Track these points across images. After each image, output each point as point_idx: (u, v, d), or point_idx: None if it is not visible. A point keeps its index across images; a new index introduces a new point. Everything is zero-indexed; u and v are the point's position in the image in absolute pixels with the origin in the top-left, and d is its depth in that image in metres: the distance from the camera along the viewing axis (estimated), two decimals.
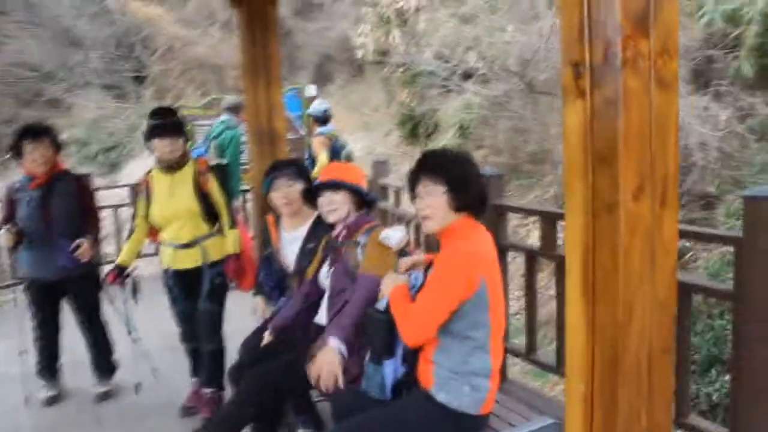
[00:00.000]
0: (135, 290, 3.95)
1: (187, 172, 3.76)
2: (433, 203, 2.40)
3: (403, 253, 2.93)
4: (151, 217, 3.80)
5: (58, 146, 4.14)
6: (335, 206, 3.06)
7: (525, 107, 8.58)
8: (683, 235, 2.82)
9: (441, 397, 2.37)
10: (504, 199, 3.98)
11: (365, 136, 15.31)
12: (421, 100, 12.57)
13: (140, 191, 3.85)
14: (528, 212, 5.87)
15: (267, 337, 3.24)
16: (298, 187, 3.48)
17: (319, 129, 6.64)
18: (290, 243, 3.57)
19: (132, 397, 4.21)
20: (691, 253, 7.30)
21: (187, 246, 3.74)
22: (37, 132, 4.03)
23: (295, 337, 3.14)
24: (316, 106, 6.73)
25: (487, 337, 2.38)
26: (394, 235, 2.88)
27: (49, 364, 4.35)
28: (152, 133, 3.67)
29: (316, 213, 3.50)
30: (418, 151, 13.57)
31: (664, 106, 1.70)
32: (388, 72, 14.62)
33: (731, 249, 2.70)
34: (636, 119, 1.65)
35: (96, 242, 4.22)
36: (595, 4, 1.63)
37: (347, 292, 2.92)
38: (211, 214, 3.78)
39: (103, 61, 19.02)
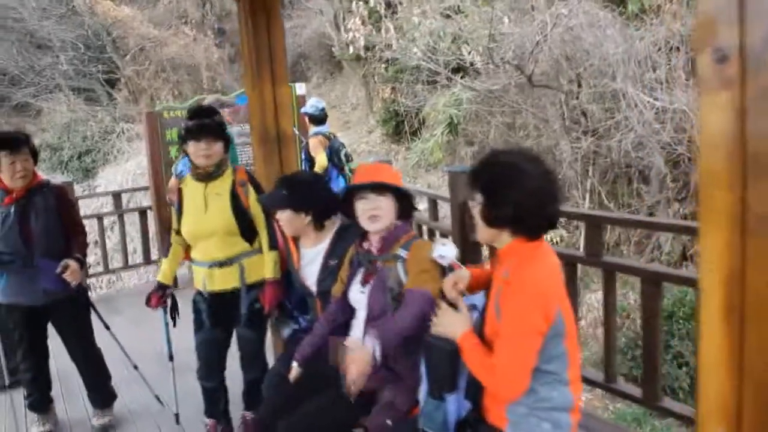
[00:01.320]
0: (174, 310, 3.60)
1: (225, 182, 3.33)
2: (476, 213, 2.13)
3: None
4: (183, 232, 3.38)
5: (35, 155, 3.71)
6: (380, 212, 2.67)
7: (526, 101, 8.29)
8: None
9: None
10: None
11: (346, 135, 14.98)
12: (406, 97, 12.26)
13: (171, 202, 3.43)
14: (570, 216, 5.21)
15: (295, 370, 2.87)
16: (286, 214, 3.10)
17: (315, 128, 6.29)
18: (311, 261, 3.18)
19: (134, 428, 3.85)
20: None
21: (223, 264, 3.33)
22: (15, 142, 3.58)
23: (328, 368, 2.80)
24: (314, 104, 6.36)
25: (565, 368, 2.09)
26: (450, 254, 2.54)
27: (40, 396, 3.95)
28: (188, 135, 3.24)
29: (336, 225, 3.17)
30: (404, 149, 13.43)
31: None
32: (370, 68, 14.30)
33: None
34: None
35: (84, 262, 3.81)
36: None
37: (388, 314, 2.60)
38: (249, 231, 3.36)
39: (73, 64, 18.44)
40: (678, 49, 7.77)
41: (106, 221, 7.82)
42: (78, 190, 11.54)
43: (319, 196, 3.15)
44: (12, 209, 3.57)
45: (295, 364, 2.88)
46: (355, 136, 15.49)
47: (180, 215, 3.36)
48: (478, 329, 2.16)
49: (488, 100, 9.42)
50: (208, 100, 6.64)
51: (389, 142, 14.25)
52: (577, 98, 7.88)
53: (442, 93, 10.88)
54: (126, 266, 7.63)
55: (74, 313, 3.83)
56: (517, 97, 8.51)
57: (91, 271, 7.62)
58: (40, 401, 3.94)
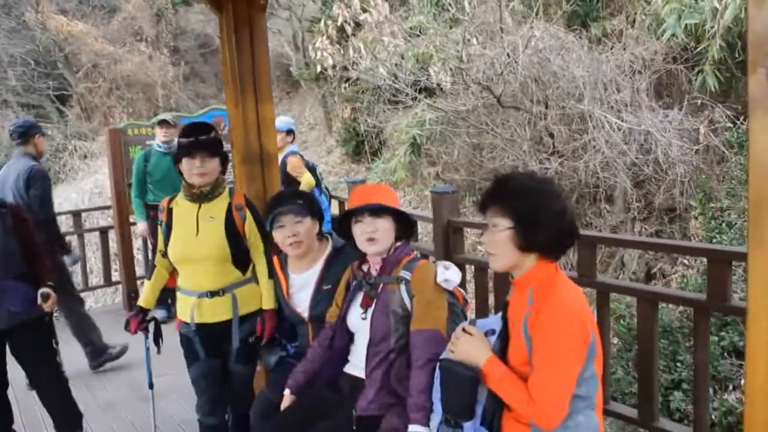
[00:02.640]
0: (158, 337, 3.38)
1: (219, 205, 3.11)
2: (496, 240, 2.05)
3: None
4: (170, 255, 3.14)
5: None
6: (378, 235, 2.60)
7: (494, 122, 8.33)
8: None
9: None
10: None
11: (304, 155, 14.86)
12: (367, 117, 12.22)
13: (158, 222, 3.20)
14: None
15: (287, 398, 2.75)
16: (308, 223, 2.99)
17: (291, 147, 6.16)
18: (302, 286, 3.06)
19: None
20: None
21: (214, 294, 3.08)
22: None
23: (324, 395, 2.69)
24: (287, 122, 6.23)
25: (595, 392, 2.04)
26: (455, 278, 2.48)
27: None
28: (181, 152, 3.02)
29: (328, 249, 3.07)
30: (364, 169, 13.39)
31: None
32: (330, 88, 14.25)
33: None
34: None
35: (56, 288, 3.59)
36: None
37: (391, 339, 2.51)
38: (243, 258, 3.14)
39: (22, 80, 17.93)
40: (641, 72, 7.92)
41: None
42: None
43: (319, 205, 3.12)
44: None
45: (287, 391, 2.77)
46: (314, 156, 15.38)
47: (167, 237, 3.14)
48: (498, 355, 2.09)
49: (453, 120, 9.43)
50: (164, 116, 6.43)
51: (349, 162, 14.20)
52: (545, 119, 7.95)
53: (404, 113, 10.86)
54: (86, 287, 7.36)
55: (38, 336, 3.59)
56: (486, 118, 8.54)
57: None
58: None
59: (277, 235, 2.99)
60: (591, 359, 1.99)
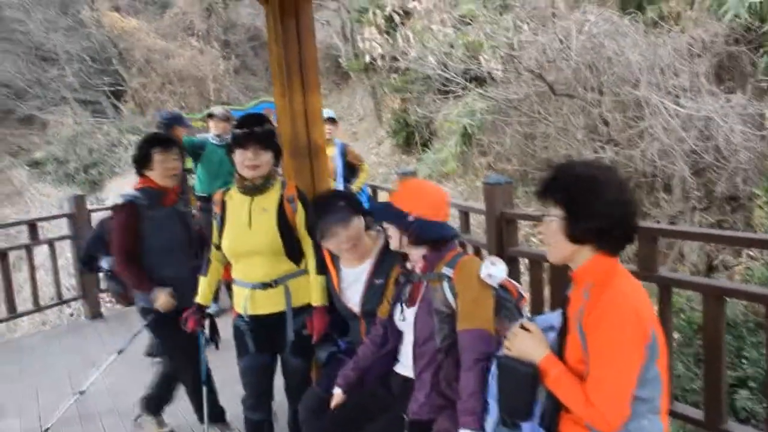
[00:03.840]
0: (214, 333, 3.38)
1: (272, 197, 3.06)
2: (551, 229, 1.96)
3: None
4: (223, 248, 3.11)
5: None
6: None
7: (546, 110, 8.14)
8: None
9: None
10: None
11: (354, 146, 14.84)
12: (417, 107, 12.12)
13: (213, 215, 3.16)
14: None
15: (338, 396, 2.69)
16: (355, 223, 2.91)
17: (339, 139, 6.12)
18: (354, 281, 2.99)
19: None
20: None
21: (267, 286, 3.05)
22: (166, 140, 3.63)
23: (375, 393, 2.62)
24: (330, 114, 6.18)
25: (659, 394, 1.91)
26: (500, 273, 2.37)
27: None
28: (233, 143, 2.99)
29: (380, 243, 2.99)
30: (414, 160, 13.29)
31: None
32: (379, 79, 14.18)
33: None
34: None
35: None
36: None
37: (437, 338, 2.42)
38: (295, 250, 3.08)
39: (79, 77, 18.41)
40: (700, 55, 7.62)
41: None
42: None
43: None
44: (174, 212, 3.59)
45: (338, 390, 2.71)
46: (364, 147, 15.35)
47: (221, 229, 3.11)
48: (557, 353, 1.99)
49: (504, 109, 9.26)
50: (214, 109, 6.47)
51: (399, 153, 14.11)
52: (599, 106, 7.72)
53: (455, 103, 10.73)
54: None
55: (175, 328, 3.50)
56: (538, 107, 8.35)
57: (102, 285, 7.45)
58: None
59: (331, 245, 2.94)
60: (652, 359, 1.86)
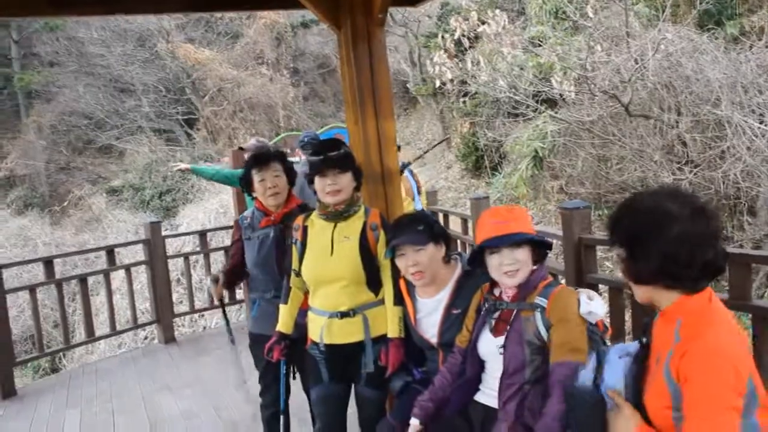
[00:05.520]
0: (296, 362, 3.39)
1: (355, 224, 3.01)
2: (622, 269, 1.83)
3: None
4: (303, 275, 3.08)
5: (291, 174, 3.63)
6: (519, 266, 2.42)
7: (622, 132, 7.92)
8: None
9: None
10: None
11: (423, 171, 14.85)
12: (486, 131, 12.01)
13: (294, 240, 3.13)
14: None
15: (414, 426, 2.61)
16: (430, 250, 2.79)
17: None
18: (430, 311, 2.88)
19: None
20: None
21: (345, 315, 2.99)
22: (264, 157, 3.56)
23: (454, 424, 2.53)
24: None
25: None
26: (600, 311, 2.27)
27: None
28: (312, 171, 2.96)
29: (457, 272, 2.90)
30: (484, 184, 13.15)
31: None
32: (447, 103, 14.15)
33: None
34: None
35: None
36: None
37: (527, 370, 2.32)
38: (376, 280, 3.03)
39: (154, 106, 19.04)
40: None
41: (190, 260, 7.79)
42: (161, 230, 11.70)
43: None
44: (271, 233, 3.48)
45: (415, 420, 2.62)
46: (433, 172, 15.31)
47: (302, 256, 3.08)
48: (631, 384, 1.86)
49: (576, 132, 9.06)
50: (251, 142, 6.40)
51: (469, 177, 14.01)
52: (677, 127, 7.46)
53: (525, 126, 10.59)
54: (212, 305, 7.52)
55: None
56: (612, 128, 8.13)
57: (176, 309, 7.59)
58: None
59: (400, 264, 2.85)
60: (752, 408, 1.68)
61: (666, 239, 1.72)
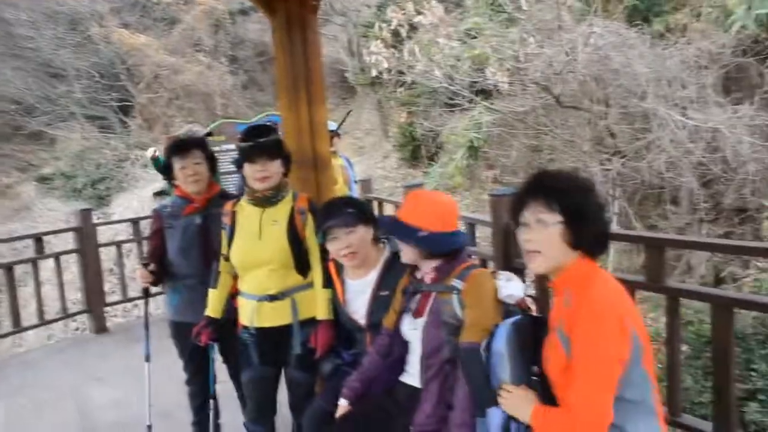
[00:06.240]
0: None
1: (283, 209, 3.06)
2: (544, 236, 1.93)
3: None
4: (232, 259, 3.11)
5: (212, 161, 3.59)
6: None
7: (552, 123, 8.13)
8: None
9: None
10: None
11: (361, 161, 14.89)
12: (423, 121, 12.14)
13: (223, 225, 3.15)
14: (628, 239, 4.97)
15: (343, 407, 2.67)
16: (361, 231, 2.86)
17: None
18: (359, 293, 2.95)
19: None
20: None
21: (274, 298, 3.04)
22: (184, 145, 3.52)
23: (381, 404, 2.60)
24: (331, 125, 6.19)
25: (649, 396, 1.89)
26: (518, 291, 2.36)
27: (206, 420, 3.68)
28: (242, 157, 2.99)
29: (386, 254, 2.97)
30: (421, 174, 13.28)
31: None
32: (385, 93, 14.22)
33: None
34: None
35: None
36: None
37: (445, 350, 2.40)
38: (304, 263, 3.07)
39: (87, 92, 18.50)
40: (707, 67, 7.62)
41: (123, 248, 7.64)
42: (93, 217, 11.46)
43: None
44: (195, 220, 3.44)
45: (344, 401, 2.68)
46: (371, 162, 15.37)
47: (231, 241, 3.10)
48: (518, 352, 2.04)
49: (510, 122, 9.26)
50: (184, 129, 6.41)
51: (406, 167, 14.14)
52: (606, 119, 7.71)
53: (461, 116, 10.74)
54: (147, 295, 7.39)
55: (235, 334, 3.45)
56: (544, 119, 8.35)
57: (108, 299, 7.44)
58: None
59: (331, 248, 2.90)
60: (637, 359, 1.84)
61: (600, 208, 1.97)
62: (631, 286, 3.24)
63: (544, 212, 1.93)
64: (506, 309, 2.39)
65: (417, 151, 13.35)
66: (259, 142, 2.95)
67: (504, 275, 2.44)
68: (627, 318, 1.83)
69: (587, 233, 1.92)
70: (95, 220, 7.06)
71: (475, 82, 8.69)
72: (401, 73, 9.66)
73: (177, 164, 3.43)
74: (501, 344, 2.08)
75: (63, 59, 18.35)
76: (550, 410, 1.90)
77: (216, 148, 6.27)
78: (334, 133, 6.09)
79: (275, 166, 3.00)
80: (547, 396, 1.95)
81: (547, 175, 2.08)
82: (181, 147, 3.48)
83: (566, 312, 1.89)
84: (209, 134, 6.77)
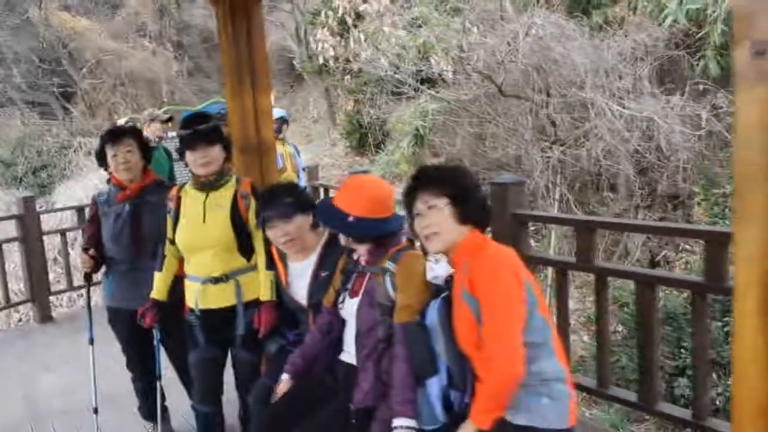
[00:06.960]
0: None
1: (226, 193, 3.13)
2: (438, 218, 2.22)
3: None
4: (177, 243, 3.16)
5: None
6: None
7: (495, 111, 8.32)
8: None
9: (520, 419, 2.06)
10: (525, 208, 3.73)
11: (308, 149, 14.90)
12: (371, 109, 12.23)
13: (168, 209, 3.19)
14: (560, 222, 5.22)
15: (285, 383, 2.76)
16: (298, 220, 2.93)
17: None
18: (300, 275, 3.04)
19: None
20: None
21: (218, 280, 3.10)
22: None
23: (322, 381, 2.70)
24: (280, 112, 6.25)
25: (549, 339, 2.14)
26: (443, 271, 2.48)
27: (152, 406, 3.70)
28: (182, 145, 3.06)
29: (324, 237, 3.07)
30: (368, 161, 13.38)
31: None
32: (333, 81, 14.26)
33: None
34: None
35: None
36: None
37: (379, 329, 2.51)
38: (247, 246, 3.15)
39: (27, 77, 18.01)
40: (643, 59, 7.90)
41: (68, 237, 7.56)
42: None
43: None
44: (125, 208, 3.42)
45: (285, 376, 2.77)
46: (318, 150, 15.39)
47: (176, 224, 3.16)
48: (445, 322, 2.24)
49: (455, 111, 9.43)
50: (145, 113, 6.41)
51: (353, 155, 14.20)
52: (547, 108, 7.93)
53: (407, 105, 10.86)
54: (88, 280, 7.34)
55: (178, 320, 3.41)
56: (488, 108, 8.53)
57: (53, 288, 7.36)
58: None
59: (270, 235, 2.99)
60: (534, 306, 2.10)
61: (480, 191, 2.33)
62: (564, 267, 3.46)
63: (434, 198, 2.23)
64: (436, 288, 2.51)
65: (364, 138, 13.43)
66: (198, 130, 3.01)
67: (433, 257, 2.55)
68: (520, 270, 2.14)
69: (472, 208, 2.23)
70: (38, 209, 6.95)
71: (421, 70, 8.83)
72: (348, 61, 9.74)
73: (109, 152, 3.43)
74: (433, 318, 2.26)
75: (0, 42, 17.83)
76: (474, 398, 2.12)
77: (172, 134, 6.26)
78: (284, 121, 6.17)
79: (215, 152, 3.06)
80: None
81: (430, 169, 2.50)
82: (113, 135, 3.49)
83: (467, 277, 2.13)
84: (170, 119, 6.72)
